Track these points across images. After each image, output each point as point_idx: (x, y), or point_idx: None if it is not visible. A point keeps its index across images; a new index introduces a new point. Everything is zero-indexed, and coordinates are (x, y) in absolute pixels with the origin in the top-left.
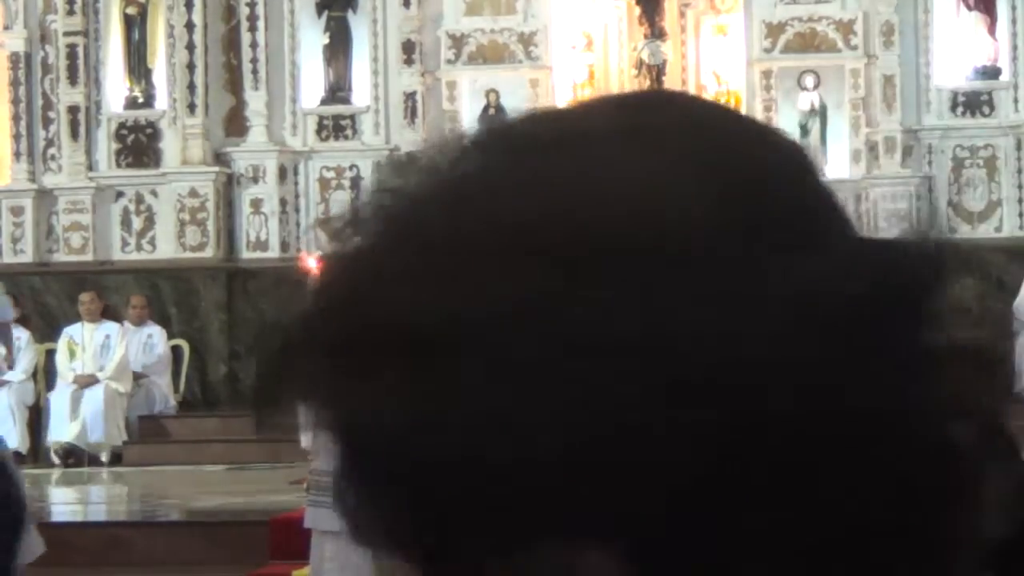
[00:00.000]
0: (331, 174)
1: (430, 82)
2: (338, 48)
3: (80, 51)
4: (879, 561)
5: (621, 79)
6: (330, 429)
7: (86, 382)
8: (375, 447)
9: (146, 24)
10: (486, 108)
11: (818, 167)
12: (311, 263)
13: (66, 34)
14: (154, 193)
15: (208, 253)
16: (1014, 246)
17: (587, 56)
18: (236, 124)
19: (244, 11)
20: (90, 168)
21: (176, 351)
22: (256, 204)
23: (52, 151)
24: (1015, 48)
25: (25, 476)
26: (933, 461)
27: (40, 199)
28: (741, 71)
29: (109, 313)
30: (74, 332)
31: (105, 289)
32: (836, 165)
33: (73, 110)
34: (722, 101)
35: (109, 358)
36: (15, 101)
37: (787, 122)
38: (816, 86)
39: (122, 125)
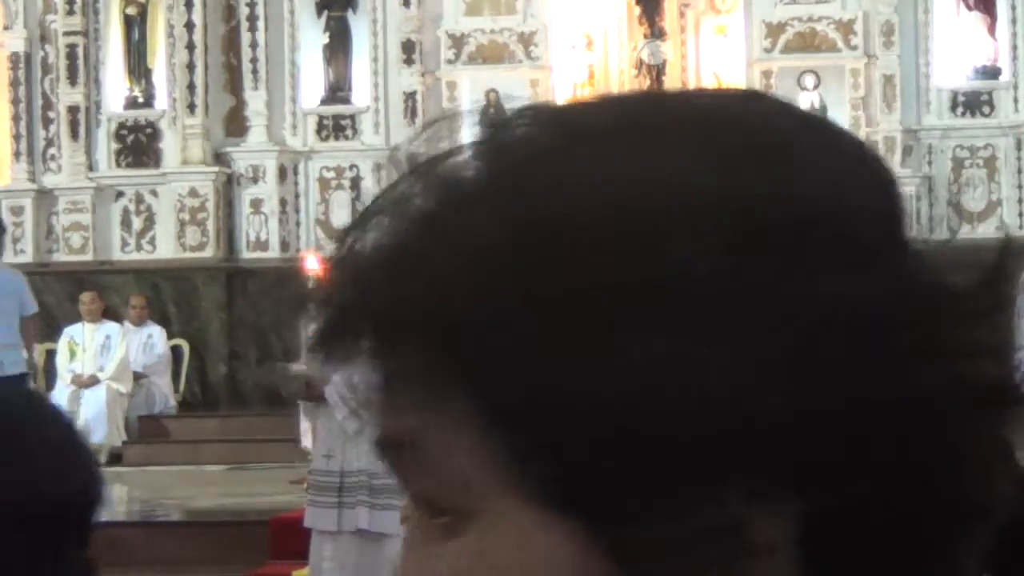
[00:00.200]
0: (331, 174)
1: (430, 82)
2: (338, 48)
3: (80, 51)
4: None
5: (621, 79)
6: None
7: (86, 382)
8: (591, 414)
9: (146, 24)
10: (486, 108)
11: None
12: (312, 263)
13: (66, 34)
14: (154, 193)
15: (208, 253)
16: (1014, 246)
17: (587, 56)
18: (236, 124)
19: (244, 11)
20: (90, 168)
21: (176, 351)
22: (256, 204)
23: (52, 151)
24: (1015, 48)
25: None
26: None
27: (40, 199)
28: (741, 71)
29: (109, 313)
30: (74, 332)
31: (105, 289)
32: None
33: (73, 110)
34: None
35: (109, 358)
36: (15, 101)
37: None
38: (816, 86)
39: (122, 125)
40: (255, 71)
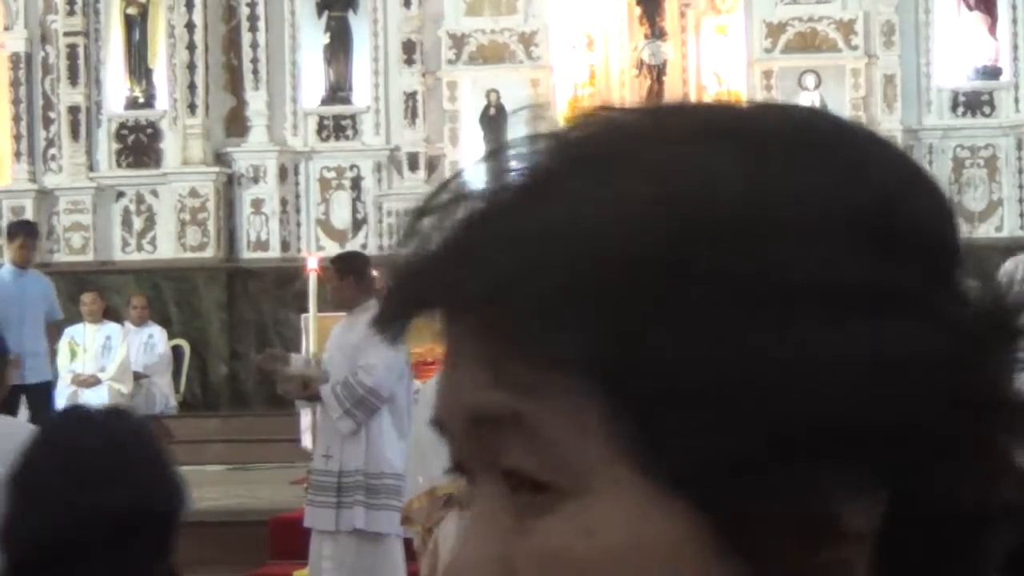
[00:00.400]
0: (332, 174)
1: (431, 82)
2: (338, 48)
3: (80, 51)
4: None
5: (622, 79)
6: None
7: (87, 383)
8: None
9: (146, 24)
10: (487, 108)
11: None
12: (312, 263)
13: (66, 34)
14: (155, 193)
15: (209, 253)
16: (1015, 246)
17: (588, 56)
18: (236, 124)
19: (244, 11)
20: (91, 168)
21: (177, 351)
22: (257, 204)
23: (53, 151)
24: (1016, 48)
25: None
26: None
27: (41, 199)
28: (742, 71)
29: (110, 314)
30: (75, 333)
31: (106, 289)
32: None
33: (73, 110)
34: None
35: (110, 359)
36: (15, 101)
37: None
38: (817, 86)
39: (123, 125)
40: (256, 71)
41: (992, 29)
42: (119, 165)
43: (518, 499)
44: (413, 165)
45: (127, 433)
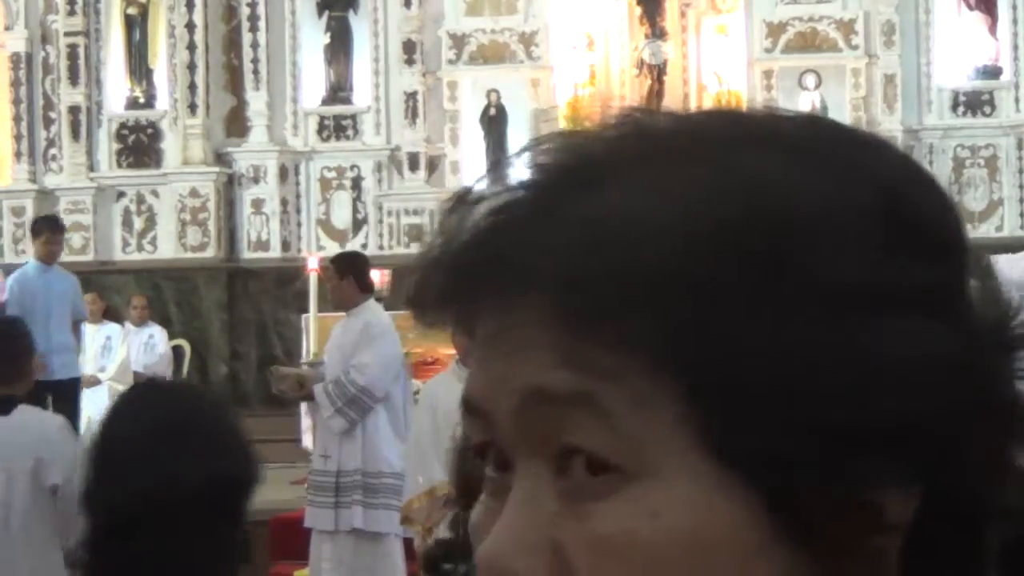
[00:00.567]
0: (332, 174)
1: (431, 82)
2: (339, 48)
3: (81, 51)
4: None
5: (622, 79)
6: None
7: (87, 383)
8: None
9: (147, 24)
10: (487, 108)
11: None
12: (312, 263)
13: (67, 34)
14: (155, 193)
15: (209, 253)
16: (1015, 246)
17: (588, 56)
18: (237, 124)
19: (245, 11)
20: (91, 168)
21: (177, 351)
22: (257, 204)
23: (53, 151)
24: (1016, 48)
25: None
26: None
27: (41, 199)
28: (742, 71)
29: (110, 314)
30: None
31: (106, 289)
32: None
33: (74, 110)
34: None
35: (110, 359)
36: (16, 101)
37: None
38: (817, 86)
39: (123, 125)
40: (256, 71)
41: (992, 29)
42: (119, 165)
43: (566, 482)
44: (413, 165)
45: (200, 403)
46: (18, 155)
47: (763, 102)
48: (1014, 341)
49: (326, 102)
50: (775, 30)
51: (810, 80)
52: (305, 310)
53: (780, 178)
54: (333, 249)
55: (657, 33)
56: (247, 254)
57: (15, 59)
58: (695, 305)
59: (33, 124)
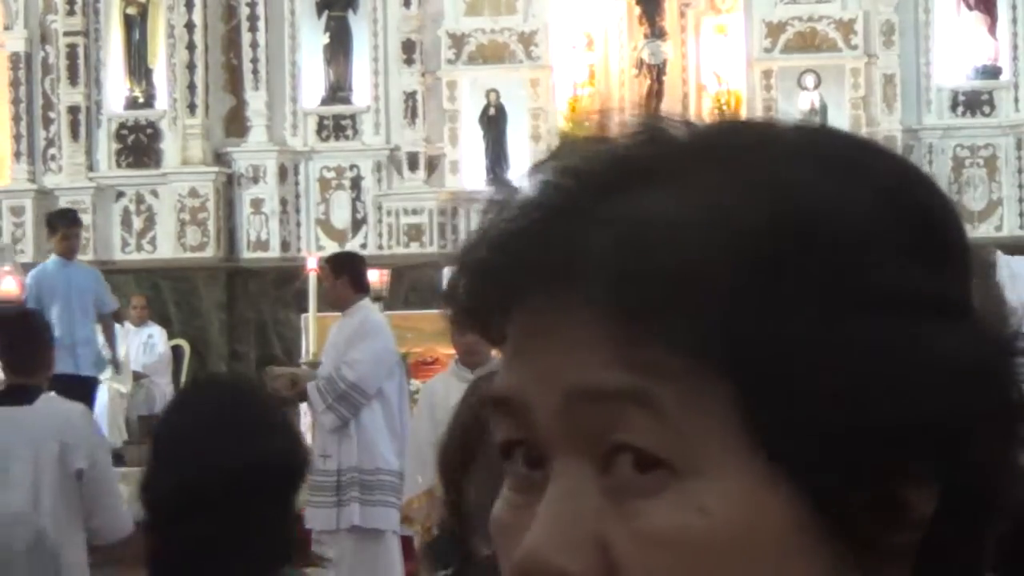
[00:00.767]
0: (331, 174)
1: (430, 82)
2: (338, 48)
3: (80, 51)
4: None
5: (622, 79)
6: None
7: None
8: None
9: (146, 24)
10: (486, 108)
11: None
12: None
13: (66, 34)
14: (154, 193)
15: (208, 253)
16: (1015, 246)
17: (588, 56)
18: (236, 124)
19: (244, 11)
20: (90, 168)
21: (177, 351)
22: (256, 204)
23: (52, 151)
24: (1015, 48)
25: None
26: None
27: (40, 199)
28: (741, 71)
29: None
30: None
31: None
32: None
33: (73, 110)
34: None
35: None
36: (15, 101)
37: None
38: (816, 86)
39: (122, 125)
40: (255, 71)
41: (992, 29)
42: (119, 165)
43: (610, 480)
44: (413, 165)
45: (252, 395)
46: (17, 155)
47: (762, 102)
48: (1018, 346)
49: (325, 102)
50: (774, 30)
51: (809, 80)
52: (305, 310)
53: (820, 188)
54: (332, 249)
55: (656, 33)
56: (246, 254)
57: (14, 59)
58: (747, 306)
59: (32, 124)
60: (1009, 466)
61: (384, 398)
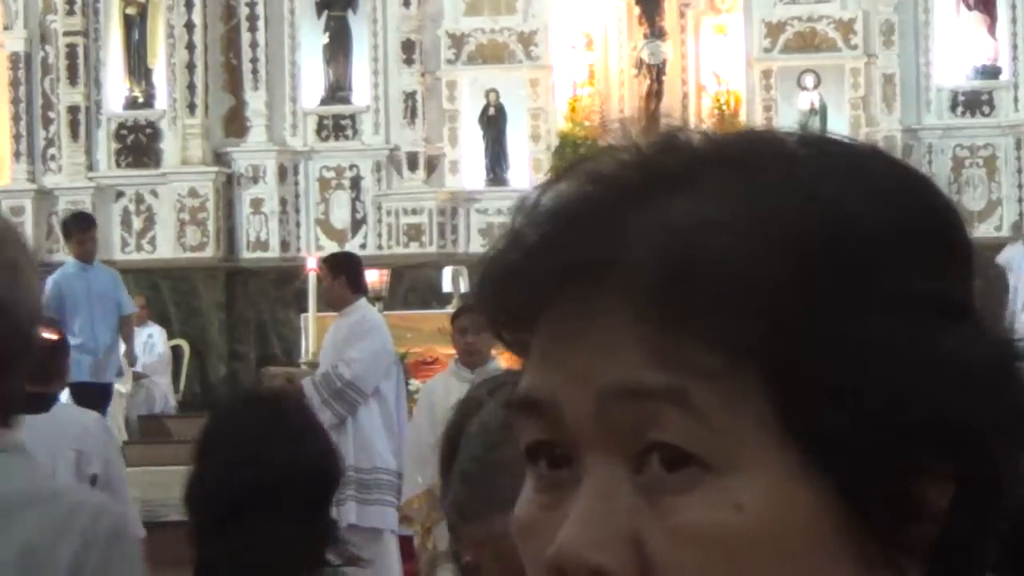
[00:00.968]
0: (331, 174)
1: (430, 82)
2: (338, 48)
3: (80, 51)
4: None
5: (621, 79)
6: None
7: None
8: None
9: (146, 24)
10: (486, 108)
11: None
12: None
13: (66, 34)
14: (154, 193)
15: (208, 253)
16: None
17: (587, 56)
18: (236, 124)
19: (244, 11)
20: (90, 168)
21: (176, 351)
22: (256, 204)
23: (52, 151)
24: (1015, 48)
25: None
26: None
27: (40, 199)
28: (741, 71)
29: None
30: None
31: None
32: None
33: (73, 110)
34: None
35: None
36: (15, 101)
37: (787, 122)
38: (816, 86)
39: (122, 125)
40: (255, 71)
41: (991, 29)
42: (118, 165)
43: (642, 478)
44: (412, 165)
45: (289, 405)
46: (17, 155)
47: (762, 102)
48: (1018, 347)
49: (325, 102)
50: (774, 30)
51: (809, 80)
52: (304, 310)
53: (839, 195)
54: (332, 249)
55: (656, 33)
56: (246, 254)
57: (14, 59)
58: (785, 307)
59: (32, 124)
60: (1015, 465)
61: (381, 397)
